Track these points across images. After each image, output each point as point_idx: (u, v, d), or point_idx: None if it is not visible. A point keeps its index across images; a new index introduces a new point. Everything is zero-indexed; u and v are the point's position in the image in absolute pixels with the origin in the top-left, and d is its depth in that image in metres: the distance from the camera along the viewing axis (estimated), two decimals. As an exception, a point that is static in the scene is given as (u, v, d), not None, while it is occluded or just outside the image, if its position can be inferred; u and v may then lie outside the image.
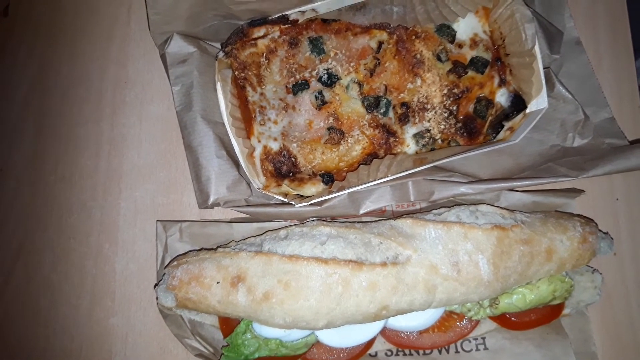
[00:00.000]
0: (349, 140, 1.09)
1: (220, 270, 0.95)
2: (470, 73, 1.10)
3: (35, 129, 1.23)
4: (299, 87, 1.09)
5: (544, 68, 1.01)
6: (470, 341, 1.07)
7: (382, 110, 1.09)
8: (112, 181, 1.20)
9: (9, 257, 1.17)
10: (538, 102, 1.02)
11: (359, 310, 0.93)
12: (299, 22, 1.07)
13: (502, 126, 1.08)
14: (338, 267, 0.92)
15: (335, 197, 1.03)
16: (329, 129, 1.09)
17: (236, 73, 1.08)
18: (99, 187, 1.20)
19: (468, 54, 1.10)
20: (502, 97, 1.09)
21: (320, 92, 1.09)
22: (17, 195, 1.20)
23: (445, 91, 1.09)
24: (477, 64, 1.09)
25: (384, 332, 1.05)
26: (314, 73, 1.10)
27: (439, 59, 1.10)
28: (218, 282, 0.95)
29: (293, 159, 1.09)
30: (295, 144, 1.09)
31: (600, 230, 1.04)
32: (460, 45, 1.11)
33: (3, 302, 1.16)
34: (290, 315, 0.93)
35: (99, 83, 1.24)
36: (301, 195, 1.07)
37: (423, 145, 1.10)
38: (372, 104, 1.09)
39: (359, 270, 0.92)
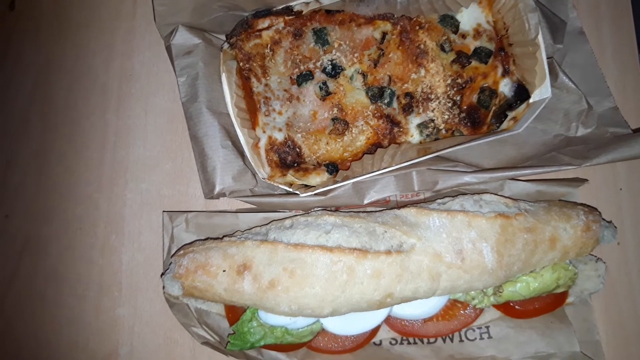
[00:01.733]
0: (353, 131, 1.10)
1: (226, 258, 0.96)
2: (474, 63, 1.10)
3: (41, 121, 1.24)
4: (303, 78, 1.10)
5: (547, 58, 1.02)
6: (474, 330, 1.08)
7: (386, 101, 1.10)
8: (117, 173, 1.21)
9: (16, 249, 1.18)
10: (541, 92, 1.02)
11: (363, 297, 0.94)
12: (303, 13, 1.08)
13: (506, 116, 1.08)
14: (343, 255, 0.93)
15: (339, 186, 1.04)
16: (333, 119, 1.10)
17: (241, 64, 1.09)
18: (105, 178, 1.21)
19: (472, 44, 1.11)
20: (505, 87, 1.10)
21: (324, 83, 1.10)
22: (24, 188, 1.21)
23: (449, 81, 1.10)
24: (481, 54, 1.10)
25: (389, 321, 1.05)
26: (318, 64, 1.10)
27: (442, 49, 1.10)
28: (224, 271, 0.95)
29: (298, 150, 1.09)
30: (299, 135, 1.09)
31: (603, 219, 1.05)
32: (463, 36, 1.11)
33: (11, 293, 1.17)
34: (296, 303, 0.93)
35: (104, 75, 1.25)
36: (306, 185, 1.07)
37: (427, 135, 1.10)
38: (376, 94, 1.10)
39: (363, 258, 0.93)
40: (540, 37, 1.00)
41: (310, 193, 1.03)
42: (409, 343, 1.08)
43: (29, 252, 1.19)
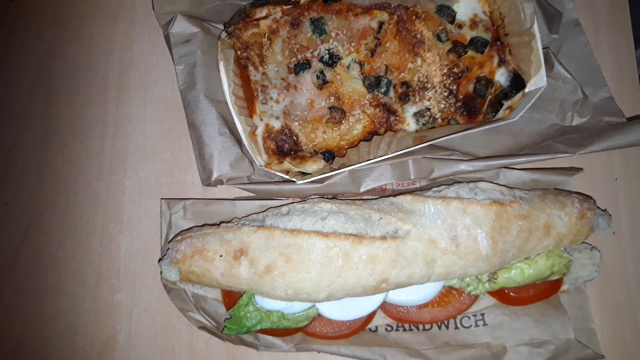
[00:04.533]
0: (350, 120, 1.11)
1: (223, 244, 0.97)
2: (470, 53, 1.11)
3: (43, 110, 1.25)
4: (301, 67, 1.11)
5: (543, 48, 1.02)
6: (469, 317, 1.09)
7: (382, 90, 1.11)
8: (117, 161, 1.22)
9: (17, 236, 1.20)
10: (537, 81, 1.03)
11: (359, 282, 0.95)
12: (301, 2, 1.09)
13: (502, 105, 1.09)
14: (338, 241, 0.93)
15: (336, 174, 1.05)
16: (330, 108, 1.11)
17: (238, 53, 1.10)
18: (105, 167, 1.22)
19: (468, 34, 1.11)
20: (501, 77, 1.10)
21: (321, 72, 1.11)
22: (26, 176, 1.22)
23: (445, 71, 1.10)
24: (477, 44, 1.10)
25: (384, 307, 1.06)
26: (315, 53, 1.11)
27: (439, 39, 1.11)
28: (221, 256, 0.96)
29: (295, 138, 1.10)
30: (296, 123, 1.10)
31: (598, 207, 1.05)
32: (460, 26, 1.12)
33: (12, 279, 1.18)
34: (292, 287, 0.94)
35: (104, 65, 1.26)
36: (303, 173, 1.08)
37: (423, 124, 1.11)
38: (373, 83, 1.11)
39: (359, 243, 0.94)
40: (535, 27, 1.00)
41: (306, 180, 1.04)
42: (404, 330, 1.08)
43: (30, 240, 1.20)
